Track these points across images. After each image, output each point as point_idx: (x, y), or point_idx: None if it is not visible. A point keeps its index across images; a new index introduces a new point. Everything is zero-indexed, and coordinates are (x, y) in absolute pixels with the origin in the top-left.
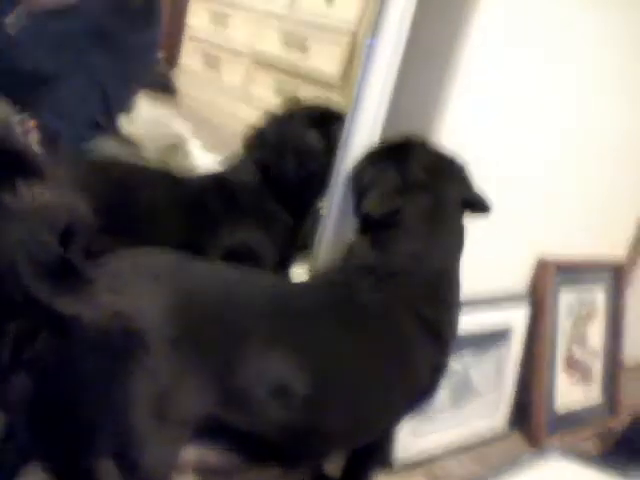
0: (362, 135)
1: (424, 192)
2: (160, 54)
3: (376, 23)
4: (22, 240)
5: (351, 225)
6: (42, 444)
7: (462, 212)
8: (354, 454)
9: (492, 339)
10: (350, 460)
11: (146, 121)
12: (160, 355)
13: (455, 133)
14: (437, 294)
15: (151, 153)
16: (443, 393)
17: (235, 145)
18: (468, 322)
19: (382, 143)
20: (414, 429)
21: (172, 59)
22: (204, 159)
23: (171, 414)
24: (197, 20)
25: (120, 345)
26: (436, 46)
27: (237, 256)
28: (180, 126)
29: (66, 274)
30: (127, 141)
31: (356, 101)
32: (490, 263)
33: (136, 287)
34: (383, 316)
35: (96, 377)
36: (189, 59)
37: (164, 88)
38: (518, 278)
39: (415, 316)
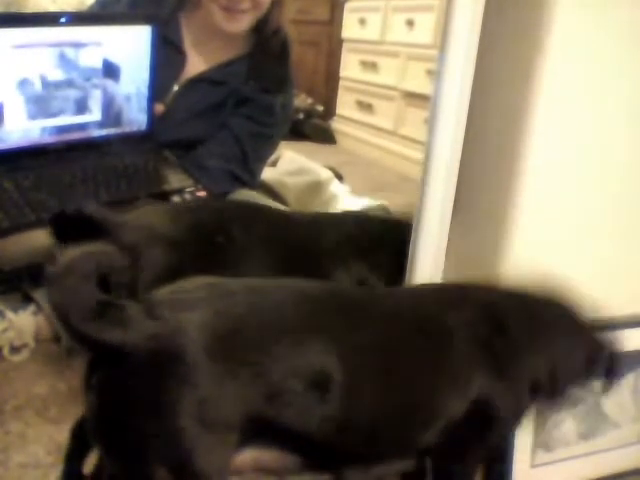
0: (443, 137)
1: None
2: (320, 107)
3: (444, 36)
4: (64, 294)
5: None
6: (109, 461)
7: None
8: None
9: (629, 362)
10: None
11: (287, 168)
12: (197, 365)
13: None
14: (504, 327)
15: (291, 199)
16: (567, 421)
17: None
18: None
19: None
20: (531, 459)
21: (330, 106)
22: (350, 202)
23: (215, 418)
24: (349, 67)
25: (160, 362)
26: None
27: None
28: (322, 170)
29: (108, 312)
30: (267, 190)
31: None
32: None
33: (170, 308)
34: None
35: (144, 393)
36: (344, 108)
37: (325, 137)
38: None
39: (470, 335)
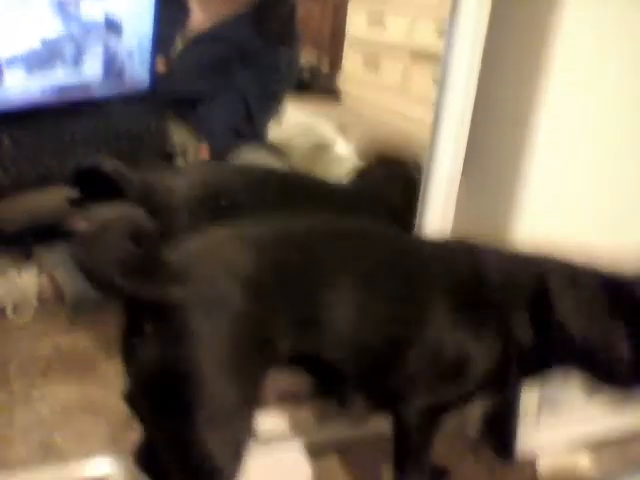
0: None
1: None
2: (325, 64)
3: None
4: (101, 251)
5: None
6: (156, 415)
7: None
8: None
9: None
10: None
11: (292, 127)
12: (242, 306)
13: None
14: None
15: (296, 158)
16: (572, 383)
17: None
18: None
19: None
20: (537, 420)
21: (335, 63)
22: (352, 161)
23: (265, 353)
24: (356, 23)
25: (208, 309)
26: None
27: None
28: (327, 130)
29: (148, 266)
30: (272, 148)
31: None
32: None
33: (207, 258)
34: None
35: (198, 339)
36: (350, 65)
37: (328, 91)
38: None
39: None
